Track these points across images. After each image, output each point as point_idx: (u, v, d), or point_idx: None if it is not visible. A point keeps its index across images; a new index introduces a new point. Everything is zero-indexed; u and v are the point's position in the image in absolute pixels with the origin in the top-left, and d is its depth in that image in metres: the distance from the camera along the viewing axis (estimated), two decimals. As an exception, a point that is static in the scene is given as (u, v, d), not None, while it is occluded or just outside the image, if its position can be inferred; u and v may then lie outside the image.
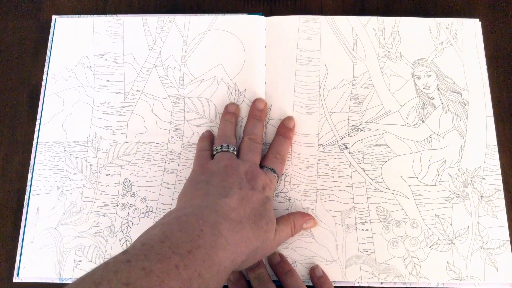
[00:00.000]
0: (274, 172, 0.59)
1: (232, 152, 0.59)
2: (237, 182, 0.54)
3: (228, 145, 0.59)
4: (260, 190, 0.55)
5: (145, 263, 0.39)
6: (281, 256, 0.60)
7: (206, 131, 0.64)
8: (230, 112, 0.64)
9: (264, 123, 0.64)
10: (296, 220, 0.59)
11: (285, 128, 0.64)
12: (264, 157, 0.62)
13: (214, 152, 0.60)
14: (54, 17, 0.70)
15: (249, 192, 0.53)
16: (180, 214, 0.47)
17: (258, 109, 0.64)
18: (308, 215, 0.61)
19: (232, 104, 0.65)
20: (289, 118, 0.64)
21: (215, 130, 0.65)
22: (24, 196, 0.63)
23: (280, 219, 0.58)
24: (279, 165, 0.61)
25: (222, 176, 0.54)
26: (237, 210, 0.50)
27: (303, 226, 0.60)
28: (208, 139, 0.63)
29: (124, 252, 0.41)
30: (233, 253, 0.46)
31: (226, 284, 0.59)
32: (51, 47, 0.69)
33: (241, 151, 0.60)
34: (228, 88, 0.66)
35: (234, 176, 0.54)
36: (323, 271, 0.59)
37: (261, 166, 0.60)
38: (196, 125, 0.66)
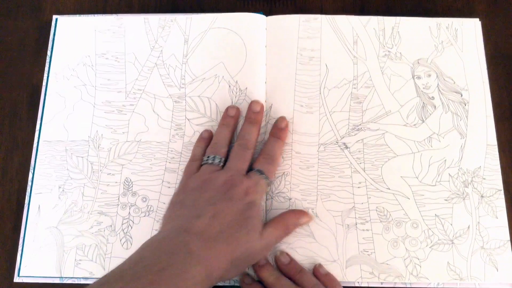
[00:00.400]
0: (262, 173, 0.57)
1: (218, 164, 0.58)
2: (211, 198, 0.53)
3: (214, 157, 0.58)
4: (239, 198, 0.53)
5: (120, 283, 0.42)
6: (288, 256, 0.58)
7: (205, 131, 0.62)
8: (229, 115, 0.62)
9: (261, 125, 0.62)
10: (288, 219, 0.57)
11: (277, 128, 0.62)
12: (255, 159, 0.60)
13: (202, 163, 0.59)
14: (54, 16, 0.68)
15: (224, 205, 0.52)
16: (155, 238, 0.50)
17: (254, 112, 0.61)
18: (301, 212, 0.59)
19: (232, 107, 0.62)
20: (282, 118, 0.62)
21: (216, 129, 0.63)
22: (25, 196, 0.62)
23: (270, 222, 0.56)
24: (267, 166, 0.58)
25: (196, 195, 0.54)
26: (209, 228, 0.50)
27: (298, 223, 0.58)
28: (204, 143, 0.61)
29: (104, 276, 0.45)
30: (206, 269, 0.47)
31: (239, 285, 0.58)
32: (51, 47, 0.67)
33: (229, 158, 0.58)
34: (229, 86, 0.64)
35: (209, 192, 0.54)
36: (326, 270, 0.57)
37: (251, 168, 0.58)
38: (197, 124, 0.64)
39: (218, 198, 0.53)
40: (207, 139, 0.61)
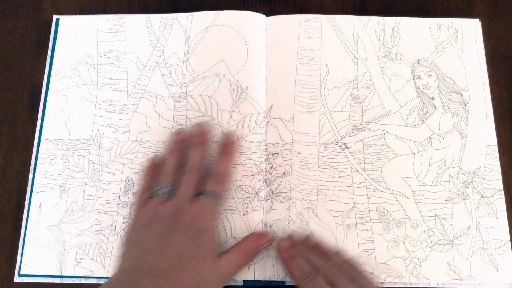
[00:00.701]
0: (211, 195, 0.54)
1: (165, 194, 0.54)
2: (159, 233, 0.50)
3: (162, 186, 0.54)
4: (187, 227, 0.50)
5: None
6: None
7: (148, 160, 0.59)
8: (174, 141, 0.59)
9: (205, 147, 0.59)
10: (247, 245, 0.54)
11: (222, 145, 0.59)
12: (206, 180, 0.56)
13: (150, 194, 0.55)
14: (55, 16, 0.66)
15: (172, 237, 0.49)
16: (109, 282, 0.48)
17: (197, 135, 0.59)
18: (261, 235, 0.56)
19: (176, 133, 0.60)
20: (226, 135, 0.60)
21: (217, 129, 0.61)
22: (25, 196, 0.60)
23: (229, 249, 0.54)
24: (217, 185, 0.55)
25: (145, 231, 0.51)
26: (159, 264, 0.48)
27: (259, 247, 0.55)
28: (151, 172, 0.58)
29: None
30: None
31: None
32: (53, 46, 0.65)
33: (179, 185, 0.54)
34: (230, 85, 0.62)
35: (156, 226, 0.51)
36: None
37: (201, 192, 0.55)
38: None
39: (165, 231, 0.50)
40: (153, 167, 0.58)
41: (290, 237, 0.55)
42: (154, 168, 0.58)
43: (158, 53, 0.64)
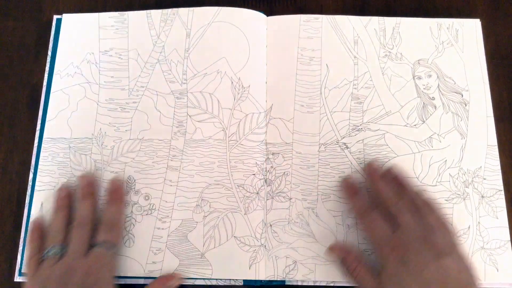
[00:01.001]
0: (102, 245, 0.51)
1: (55, 255, 0.50)
2: None
3: (51, 248, 0.51)
4: (81, 284, 0.47)
5: None
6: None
7: (33, 223, 0.55)
8: (59, 198, 0.56)
9: (93, 198, 0.56)
10: None
11: (108, 193, 0.56)
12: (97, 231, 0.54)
13: (41, 259, 0.51)
14: (55, 16, 0.64)
15: None
16: None
17: (82, 187, 0.56)
18: (167, 277, 0.53)
19: (60, 189, 0.56)
20: (111, 182, 0.57)
21: (218, 127, 0.58)
22: (25, 196, 0.58)
23: None
24: (109, 234, 0.52)
25: None
26: None
27: None
28: (38, 234, 0.54)
29: None
30: None
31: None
32: (53, 46, 0.63)
33: (70, 242, 0.51)
34: (232, 83, 0.60)
35: None
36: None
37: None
38: (198, 121, 0.59)
39: None
40: (39, 229, 0.54)
41: (369, 165, 0.56)
42: (40, 231, 0.54)
43: (159, 49, 0.62)
